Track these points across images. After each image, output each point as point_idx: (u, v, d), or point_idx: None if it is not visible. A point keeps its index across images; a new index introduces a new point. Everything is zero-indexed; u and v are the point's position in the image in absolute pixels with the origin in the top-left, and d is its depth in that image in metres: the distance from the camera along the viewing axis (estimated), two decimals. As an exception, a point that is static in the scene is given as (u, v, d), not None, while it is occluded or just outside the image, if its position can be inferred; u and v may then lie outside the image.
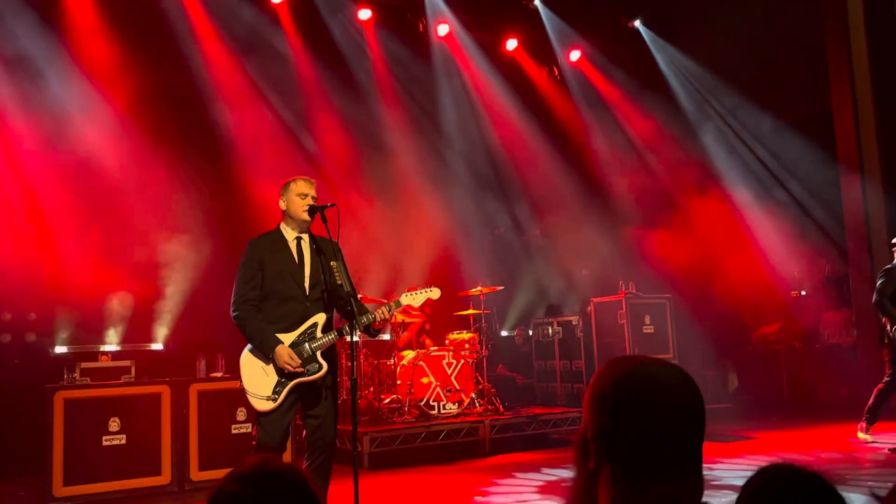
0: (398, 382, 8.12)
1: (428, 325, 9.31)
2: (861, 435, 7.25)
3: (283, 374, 4.32)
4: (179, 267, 8.15)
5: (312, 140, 9.87)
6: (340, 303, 4.46)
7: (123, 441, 6.24)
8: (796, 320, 11.86)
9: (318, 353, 4.40)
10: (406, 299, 4.94)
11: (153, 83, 8.49)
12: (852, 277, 10.75)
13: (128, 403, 6.33)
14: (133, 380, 6.67)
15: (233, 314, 4.40)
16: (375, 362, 8.57)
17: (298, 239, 4.55)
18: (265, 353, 4.32)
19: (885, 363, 7.30)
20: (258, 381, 4.33)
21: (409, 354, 8.35)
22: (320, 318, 4.47)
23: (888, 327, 7.16)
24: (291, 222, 4.53)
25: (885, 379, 7.25)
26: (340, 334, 4.43)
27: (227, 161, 9.00)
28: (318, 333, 4.43)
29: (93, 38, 8.36)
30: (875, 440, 7.21)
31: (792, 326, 11.84)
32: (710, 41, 11.43)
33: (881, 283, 7.28)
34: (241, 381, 4.39)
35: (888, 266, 7.50)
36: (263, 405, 4.31)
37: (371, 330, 4.58)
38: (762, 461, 1.42)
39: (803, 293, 12.24)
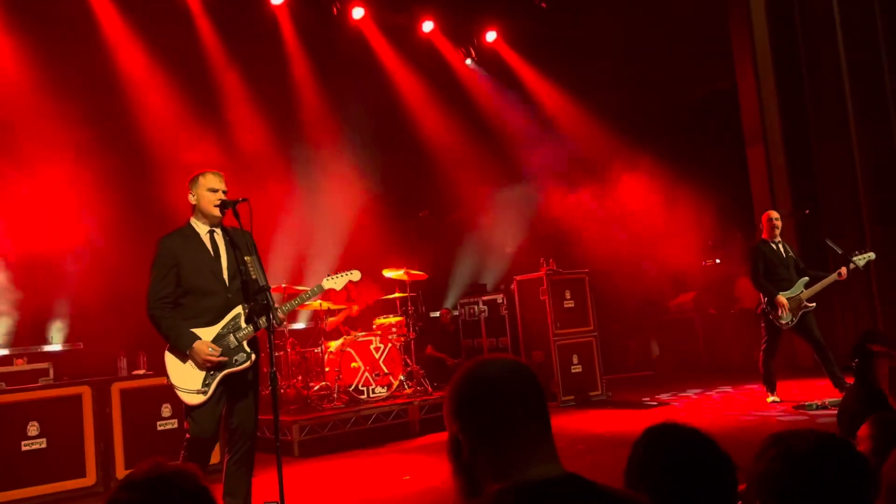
0: (326, 369, 8.12)
1: (355, 313, 9.27)
2: (770, 399, 7.67)
3: (212, 366, 4.29)
4: (97, 265, 7.94)
5: (226, 128, 9.70)
6: (256, 297, 4.44)
7: (44, 445, 6.10)
8: (710, 288, 12.37)
9: (245, 343, 4.39)
10: (328, 283, 4.97)
11: (54, 72, 8.22)
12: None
13: (47, 406, 6.18)
14: (52, 382, 6.52)
15: (148, 313, 4.33)
16: (303, 350, 8.56)
17: (211, 232, 4.49)
18: (181, 350, 4.28)
19: (762, 331, 7.74)
20: (186, 375, 4.29)
21: (337, 342, 8.35)
22: (242, 308, 4.44)
23: (763, 300, 7.61)
24: (202, 217, 4.47)
25: (762, 346, 7.69)
26: (256, 327, 4.42)
27: (141, 154, 8.79)
28: (242, 324, 4.41)
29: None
30: (783, 400, 7.62)
31: (706, 294, 12.34)
32: (617, 23, 11.71)
33: (752, 265, 7.67)
34: (167, 378, 4.33)
35: (752, 246, 7.89)
36: (194, 399, 4.26)
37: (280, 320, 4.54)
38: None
39: (717, 262, 12.77)
